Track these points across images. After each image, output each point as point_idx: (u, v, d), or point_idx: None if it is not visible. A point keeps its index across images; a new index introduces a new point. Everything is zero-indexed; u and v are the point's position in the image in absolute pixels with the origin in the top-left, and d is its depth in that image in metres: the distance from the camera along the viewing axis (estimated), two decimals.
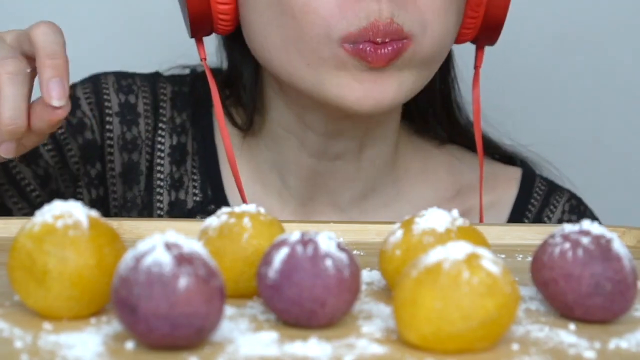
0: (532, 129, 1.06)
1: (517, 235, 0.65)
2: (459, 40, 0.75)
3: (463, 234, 0.49)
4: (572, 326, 0.46)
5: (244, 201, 0.75)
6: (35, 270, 0.44)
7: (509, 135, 0.89)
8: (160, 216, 0.82)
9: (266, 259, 0.45)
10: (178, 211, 0.82)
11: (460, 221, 0.50)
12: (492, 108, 0.90)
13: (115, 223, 0.62)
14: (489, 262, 0.42)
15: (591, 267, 0.46)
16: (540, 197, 0.85)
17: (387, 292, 0.51)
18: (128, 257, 0.42)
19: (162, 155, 0.83)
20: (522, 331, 0.45)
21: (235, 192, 0.81)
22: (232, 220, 0.49)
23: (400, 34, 0.67)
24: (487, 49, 0.78)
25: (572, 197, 0.87)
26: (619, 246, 0.47)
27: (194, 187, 0.82)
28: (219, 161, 0.83)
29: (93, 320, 0.45)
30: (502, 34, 0.75)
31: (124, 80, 0.85)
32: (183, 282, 0.40)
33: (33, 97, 0.64)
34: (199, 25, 0.72)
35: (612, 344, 0.44)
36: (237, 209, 0.50)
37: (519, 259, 0.60)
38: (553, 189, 0.86)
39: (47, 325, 0.44)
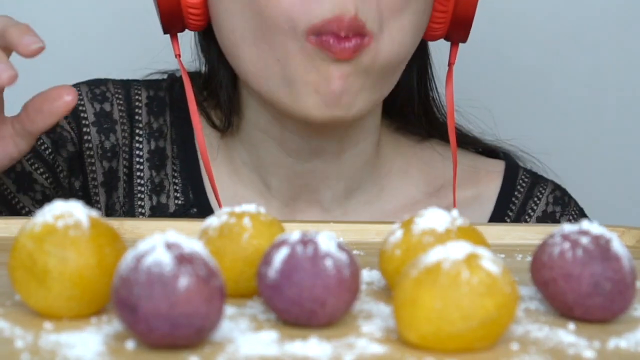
0: (532, 130, 1.06)
1: (516, 235, 0.65)
2: (430, 36, 0.75)
3: (463, 233, 0.49)
4: (571, 326, 0.46)
5: (219, 204, 0.76)
6: (36, 270, 0.44)
7: (505, 137, 0.89)
8: None
9: (266, 259, 0.45)
10: (160, 215, 0.82)
11: (460, 221, 0.50)
12: (490, 109, 0.90)
13: (116, 223, 0.62)
14: (489, 262, 0.42)
15: (591, 267, 0.46)
16: (524, 189, 0.85)
17: (387, 292, 0.51)
18: (128, 257, 0.42)
19: (141, 160, 0.83)
20: (521, 331, 0.45)
21: None
22: (232, 220, 0.50)
23: (362, 30, 0.68)
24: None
25: (556, 188, 0.87)
26: (618, 246, 0.47)
27: (176, 190, 0.82)
28: (200, 164, 0.83)
29: (94, 319, 0.45)
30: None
31: (97, 88, 0.85)
32: (183, 282, 0.40)
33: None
34: (170, 20, 0.73)
35: (612, 343, 0.44)
36: (237, 209, 0.50)
37: (519, 258, 0.60)
38: (536, 180, 0.86)
39: (47, 325, 0.44)
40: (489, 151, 0.88)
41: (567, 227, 0.48)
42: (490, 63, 1.16)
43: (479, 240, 0.49)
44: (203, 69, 0.84)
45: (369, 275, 0.54)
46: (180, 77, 0.86)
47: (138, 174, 0.83)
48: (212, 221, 0.50)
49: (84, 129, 0.83)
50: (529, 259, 0.51)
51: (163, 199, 0.82)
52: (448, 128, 0.76)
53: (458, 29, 0.74)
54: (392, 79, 0.74)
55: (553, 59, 1.17)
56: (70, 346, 0.41)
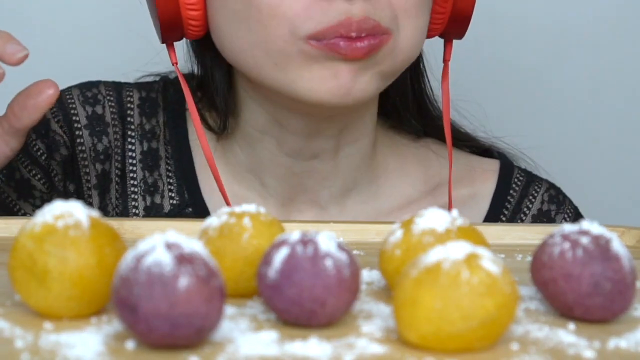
0: (532, 129, 1.06)
1: (516, 235, 0.65)
2: (428, 34, 0.75)
3: (463, 233, 0.49)
4: (571, 326, 0.46)
5: (227, 203, 0.76)
6: (36, 270, 0.44)
7: (506, 137, 0.89)
8: None
9: (266, 259, 0.45)
10: (155, 215, 0.82)
11: (460, 221, 0.50)
12: (488, 108, 0.90)
13: (116, 223, 0.62)
14: (489, 262, 0.42)
15: (591, 267, 0.46)
16: (519, 188, 0.85)
17: (387, 292, 0.51)
18: (128, 257, 0.42)
19: (134, 162, 0.83)
20: (521, 331, 0.45)
21: (212, 195, 0.81)
22: (232, 220, 0.50)
23: (377, 29, 0.67)
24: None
25: (551, 187, 0.87)
26: (618, 246, 0.47)
27: (170, 190, 0.83)
28: (195, 164, 0.83)
29: (93, 319, 0.45)
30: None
31: (89, 91, 0.85)
32: (183, 282, 0.40)
33: None
34: (169, 31, 0.73)
35: (612, 343, 0.44)
36: (237, 209, 0.50)
37: (519, 258, 0.60)
38: (531, 179, 0.87)
39: (47, 325, 0.44)
40: (484, 150, 0.88)
41: (567, 227, 0.48)
42: (488, 62, 1.16)
43: (479, 240, 0.49)
44: (196, 69, 0.84)
45: (369, 275, 0.54)
46: (174, 78, 0.86)
47: (131, 175, 0.83)
48: (212, 221, 0.50)
49: (77, 132, 0.83)
50: (529, 259, 0.51)
51: (157, 199, 0.82)
52: (444, 124, 0.76)
53: (455, 28, 0.74)
54: (403, 67, 0.74)
55: (553, 58, 1.17)
56: (70, 346, 0.41)
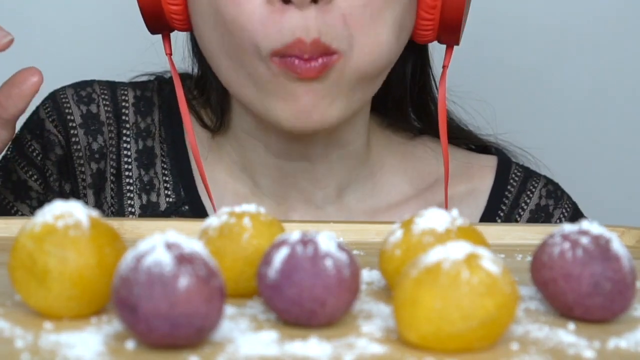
0: (532, 129, 1.06)
1: (516, 235, 0.65)
2: (420, 40, 0.75)
3: (463, 233, 0.49)
4: (571, 326, 0.46)
5: (212, 205, 0.76)
6: (36, 270, 0.44)
7: (506, 134, 0.89)
8: None
9: (266, 259, 0.45)
10: (151, 213, 0.82)
11: (460, 221, 0.50)
12: (483, 105, 0.90)
13: (116, 223, 0.62)
14: (489, 262, 0.42)
15: (591, 267, 0.46)
16: (517, 184, 0.85)
17: (387, 292, 0.51)
18: (128, 257, 0.42)
19: (129, 160, 0.83)
20: (521, 331, 0.45)
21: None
22: (232, 220, 0.50)
23: (327, 50, 0.67)
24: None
25: (549, 182, 0.87)
26: (618, 246, 0.47)
27: (166, 188, 0.83)
28: (191, 162, 0.84)
29: (94, 319, 0.45)
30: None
31: (83, 90, 0.85)
32: (183, 282, 0.40)
33: None
34: (154, 23, 0.73)
35: (612, 343, 0.44)
36: (237, 209, 0.50)
37: (519, 258, 0.60)
38: (529, 175, 0.87)
39: (47, 325, 0.44)
40: (482, 148, 0.88)
41: (567, 227, 0.48)
42: (489, 62, 1.16)
43: (478, 240, 0.49)
44: (192, 70, 0.85)
45: (369, 275, 0.54)
46: (169, 78, 0.86)
47: (126, 173, 0.83)
48: (212, 221, 0.50)
49: (71, 132, 0.83)
50: (529, 259, 0.51)
51: (153, 198, 0.83)
52: (439, 129, 0.76)
53: (447, 34, 0.74)
54: (371, 85, 0.73)
55: (554, 59, 1.17)
56: (70, 346, 0.41)
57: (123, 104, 0.85)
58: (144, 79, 0.88)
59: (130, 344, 0.42)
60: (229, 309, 0.47)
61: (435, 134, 0.84)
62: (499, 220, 0.84)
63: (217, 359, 0.41)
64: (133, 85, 0.87)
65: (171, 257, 0.41)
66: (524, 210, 0.85)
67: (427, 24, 0.73)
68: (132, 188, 0.83)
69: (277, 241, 0.46)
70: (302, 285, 0.44)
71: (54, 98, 0.84)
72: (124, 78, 0.87)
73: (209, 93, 0.83)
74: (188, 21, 0.73)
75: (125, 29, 1.04)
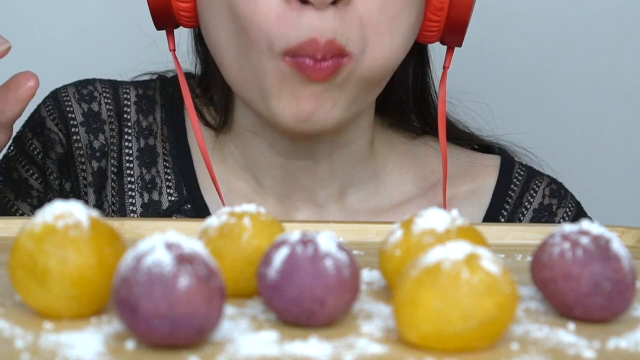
0: (532, 130, 1.06)
1: (516, 235, 0.65)
2: (424, 41, 0.75)
3: (463, 233, 0.49)
4: (571, 326, 0.46)
5: (222, 200, 0.76)
6: (36, 270, 0.44)
7: (507, 135, 0.90)
8: None
9: (266, 259, 0.45)
10: (153, 212, 0.82)
11: (460, 221, 0.50)
12: (485, 106, 0.90)
13: (116, 223, 0.62)
14: (489, 262, 0.42)
15: (591, 267, 0.46)
16: (520, 183, 0.86)
17: (387, 292, 0.51)
18: (128, 257, 0.42)
19: (131, 159, 0.83)
20: (521, 331, 0.45)
21: (211, 191, 0.82)
22: (232, 220, 0.50)
23: (341, 52, 0.67)
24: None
25: (552, 181, 0.87)
26: (618, 246, 0.47)
27: (169, 187, 0.83)
28: (194, 161, 0.83)
29: (94, 319, 0.45)
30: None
31: (85, 88, 0.85)
32: (183, 282, 0.40)
33: None
34: (162, 19, 0.74)
35: (611, 343, 0.44)
36: (237, 209, 0.50)
37: (519, 258, 0.60)
38: (532, 174, 0.87)
39: (47, 325, 0.44)
40: (485, 148, 0.89)
41: (567, 227, 0.48)
42: (490, 61, 1.16)
43: (478, 240, 0.49)
44: (195, 69, 0.85)
45: (369, 275, 0.54)
46: (171, 77, 0.86)
47: (128, 172, 0.83)
48: (212, 221, 0.50)
49: (73, 130, 0.83)
50: (529, 259, 0.51)
51: (155, 196, 0.83)
52: (439, 130, 0.76)
53: (452, 36, 0.74)
54: (374, 90, 0.73)
55: (555, 57, 1.17)
56: (70, 346, 0.41)
57: (125, 102, 0.85)
58: (146, 78, 0.88)
59: (130, 344, 0.42)
60: (229, 309, 0.47)
61: (437, 134, 0.84)
62: (502, 220, 0.84)
63: (217, 359, 0.41)
64: (135, 84, 0.87)
65: (171, 257, 0.41)
66: (527, 209, 0.85)
67: (433, 25, 0.73)
68: (133, 187, 0.83)
69: (277, 241, 0.46)
70: (302, 285, 0.44)
71: (55, 96, 0.84)
72: (126, 77, 0.88)
73: (212, 92, 0.83)
74: (196, 18, 0.74)
75: (127, 29, 1.04)
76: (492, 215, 0.84)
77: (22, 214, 0.81)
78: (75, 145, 0.83)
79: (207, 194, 0.82)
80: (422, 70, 0.84)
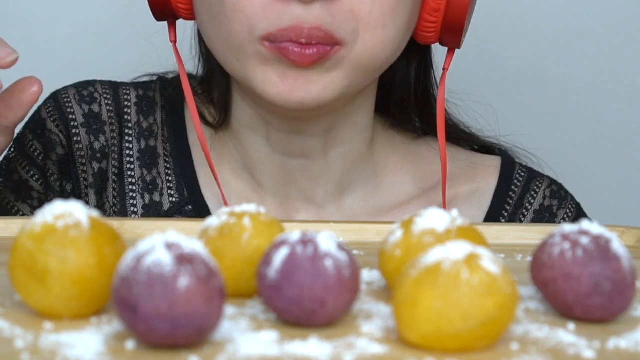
0: (532, 129, 1.06)
1: (516, 235, 0.65)
2: (423, 41, 0.75)
3: (463, 233, 0.49)
4: (571, 326, 0.46)
5: (225, 202, 0.77)
6: (36, 270, 0.44)
7: (508, 136, 0.90)
8: None
9: (266, 259, 0.45)
10: (154, 213, 0.82)
11: (460, 221, 0.50)
12: (486, 107, 0.90)
13: (116, 223, 0.62)
14: (489, 262, 0.42)
15: (591, 267, 0.46)
16: (521, 184, 0.86)
17: (387, 292, 0.51)
18: (128, 257, 0.42)
19: (131, 160, 0.83)
20: (521, 331, 0.45)
21: (212, 192, 0.82)
22: (232, 220, 0.50)
23: (329, 39, 0.67)
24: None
25: (553, 182, 0.87)
26: (618, 246, 0.47)
27: (169, 188, 0.83)
28: (194, 162, 0.84)
29: (94, 319, 0.45)
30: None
31: (85, 90, 0.85)
32: (183, 282, 0.40)
33: None
34: (160, 10, 0.74)
35: (611, 343, 0.44)
36: (237, 209, 0.50)
37: (519, 258, 0.60)
38: (533, 175, 0.87)
39: (47, 325, 0.44)
40: (486, 148, 0.89)
41: (567, 227, 0.48)
42: (489, 61, 1.16)
43: (478, 240, 0.49)
44: (196, 70, 0.85)
45: (369, 275, 0.54)
46: (171, 78, 0.86)
47: (129, 173, 0.83)
48: (212, 221, 0.50)
49: (73, 131, 0.83)
50: (529, 259, 0.51)
51: (156, 197, 0.83)
52: (438, 130, 0.76)
53: (450, 37, 0.74)
54: (367, 77, 0.73)
55: (554, 57, 1.17)
56: (70, 346, 0.41)
57: (125, 103, 0.85)
58: (146, 79, 0.88)
59: (130, 344, 0.42)
60: (229, 309, 0.47)
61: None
62: (503, 221, 0.84)
63: (217, 359, 0.41)
64: (135, 85, 0.87)
65: (171, 257, 0.41)
66: (528, 210, 0.85)
67: (429, 26, 0.73)
68: (134, 188, 0.83)
69: (277, 241, 0.46)
70: (302, 285, 0.44)
71: (56, 98, 0.84)
72: (126, 79, 0.88)
73: (212, 89, 0.83)
74: (193, 10, 0.74)
75: (126, 30, 1.04)
76: (492, 217, 0.84)
77: (23, 215, 0.81)
78: (76, 146, 0.83)
79: (208, 194, 0.82)
80: (425, 71, 0.84)
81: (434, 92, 0.85)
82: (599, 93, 1.18)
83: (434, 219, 0.49)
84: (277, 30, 0.67)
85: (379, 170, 0.83)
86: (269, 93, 0.69)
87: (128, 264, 0.41)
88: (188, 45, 0.84)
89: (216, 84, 0.82)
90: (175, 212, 0.82)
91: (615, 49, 1.17)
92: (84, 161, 0.83)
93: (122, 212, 0.82)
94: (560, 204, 0.86)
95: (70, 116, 0.83)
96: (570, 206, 0.86)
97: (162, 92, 0.86)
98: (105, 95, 0.85)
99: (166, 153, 0.84)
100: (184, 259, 0.41)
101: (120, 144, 0.84)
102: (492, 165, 0.86)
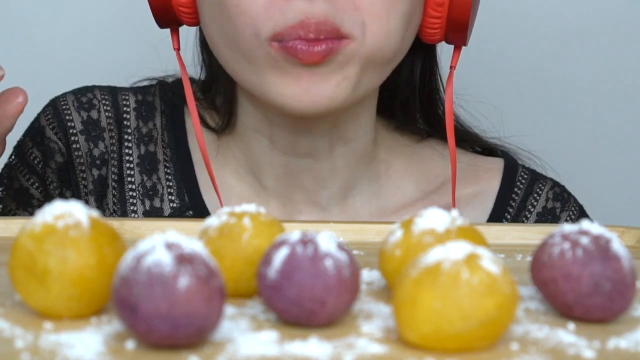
0: (532, 129, 1.06)
1: (516, 235, 0.65)
2: (429, 40, 0.75)
3: (463, 233, 0.49)
4: (571, 326, 0.46)
5: (221, 204, 0.76)
6: (36, 270, 0.44)
7: (511, 137, 0.90)
8: None
9: (266, 259, 0.45)
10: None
11: (460, 221, 0.50)
12: (489, 108, 0.90)
13: (116, 223, 0.62)
14: (489, 262, 0.42)
15: (591, 267, 0.46)
16: (524, 186, 0.85)
17: (387, 292, 0.51)
18: (128, 257, 0.42)
19: (131, 166, 0.83)
20: (521, 331, 0.45)
21: (213, 197, 0.81)
22: (232, 220, 0.50)
23: (337, 32, 0.67)
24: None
25: (556, 185, 0.87)
26: (618, 246, 0.47)
27: (170, 193, 0.82)
28: (195, 167, 0.83)
29: (94, 319, 0.45)
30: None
31: (84, 96, 0.85)
32: (183, 282, 0.40)
33: None
34: (163, 16, 0.74)
35: (611, 343, 0.44)
36: (237, 209, 0.50)
37: (519, 258, 0.60)
38: (535, 177, 0.87)
39: (47, 325, 0.44)
40: (488, 150, 0.88)
41: (567, 227, 0.48)
42: (492, 62, 1.16)
43: (478, 240, 0.49)
44: (198, 75, 0.85)
45: (369, 275, 0.54)
46: (171, 82, 0.86)
47: (129, 179, 0.83)
48: (212, 221, 0.50)
49: (72, 138, 0.83)
50: (529, 259, 0.51)
51: (157, 203, 0.82)
52: (447, 129, 0.76)
53: (455, 34, 0.74)
54: (378, 73, 0.72)
55: (554, 58, 1.17)
56: (70, 346, 0.41)
57: (124, 109, 0.85)
58: (145, 83, 0.87)
59: (130, 344, 0.42)
60: (229, 309, 0.47)
61: (443, 137, 0.84)
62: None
63: (217, 359, 0.41)
64: (134, 90, 0.87)
65: (171, 257, 0.41)
66: (530, 213, 0.85)
67: (434, 21, 0.73)
68: (134, 194, 0.82)
69: (277, 241, 0.46)
70: (302, 285, 0.44)
71: (55, 105, 0.84)
72: (125, 83, 0.87)
73: (214, 94, 0.83)
74: (196, 14, 0.74)
75: (127, 31, 1.04)
76: (495, 219, 0.84)
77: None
78: (75, 153, 0.82)
79: (209, 200, 0.82)
80: (430, 71, 0.84)
81: (439, 92, 0.85)
82: (599, 93, 1.18)
83: (434, 219, 0.49)
84: (283, 28, 0.66)
85: (382, 173, 0.83)
86: (284, 97, 0.69)
87: (128, 264, 0.41)
88: (190, 51, 0.84)
89: (219, 89, 0.82)
90: (176, 217, 0.82)
91: (616, 49, 1.17)
92: (83, 168, 0.82)
93: (123, 217, 0.82)
94: (563, 207, 0.85)
95: (69, 123, 0.83)
96: (573, 208, 0.86)
97: (161, 97, 0.86)
98: (104, 101, 0.85)
99: (166, 158, 0.84)
100: (184, 259, 0.41)
101: (120, 150, 0.83)
102: (494, 168, 0.86)
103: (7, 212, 0.82)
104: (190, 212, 0.82)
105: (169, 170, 0.83)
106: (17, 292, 0.46)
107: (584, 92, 1.18)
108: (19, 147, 0.84)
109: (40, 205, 0.82)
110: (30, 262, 0.45)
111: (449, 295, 0.41)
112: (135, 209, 0.82)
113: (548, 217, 0.85)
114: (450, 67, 0.77)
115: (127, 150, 0.83)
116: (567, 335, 0.45)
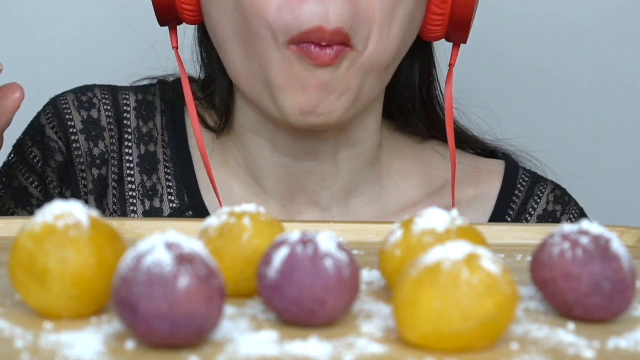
0: (533, 129, 1.06)
1: (516, 235, 0.65)
2: (429, 37, 0.75)
3: (463, 234, 0.49)
4: (571, 326, 0.46)
5: (221, 205, 0.76)
6: (36, 270, 0.44)
7: (511, 139, 0.89)
8: None
9: (266, 259, 0.45)
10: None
11: (460, 221, 0.50)
12: (489, 108, 0.90)
13: (116, 223, 0.62)
14: (489, 262, 0.42)
15: (591, 267, 0.46)
16: (525, 189, 0.85)
17: (387, 292, 0.51)
18: (128, 257, 0.42)
19: (131, 166, 0.83)
20: (521, 331, 0.45)
21: (213, 197, 0.81)
22: (232, 220, 0.50)
23: (346, 41, 0.68)
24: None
25: (556, 187, 0.87)
26: (618, 246, 0.47)
27: (170, 194, 0.82)
28: (195, 167, 0.83)
29: (94, 319, 0.45)
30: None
31: (84, 95, 0.85)
32: (183, 282, 0.40)
33: None
34: (165, 13, 0.74)
35: (611, 343, 0.44)
36: (237, 209, 0.50)
37: (519, 258, 0.60)
38: (536, 180, 0.87)
39: (47, 325, 0.44)
40: (489, 152, 0.88)
41: (567, 227, 0.48)
42: (491, 62, 1.16)
43: (478, 240, 0.49)
44: (197, 74, 0.85)
45: (369, 275, 0.54)
46: (171, 82, 0.86)
47: (129, 179, 0.83)
48: (212, 221, 0.50)
49: (73, 137, 0.82)
50: (529, 259, 0.51)
51: (156, 203, 0.82)
52: (446, 126, 0.76)
53: (457, 31, 0.74)
54: (379, 80, 0.73)
55: (554, 59, 1.17)
56: (70, 346, 0.41)
57: (125, 108, 0.85)
58: (146, 82, 0.87)
59: (130, 344, 0.42)
60: (229, 309, 0.47)
61: (444, 138, 0.84)
62: None
63: (217, 359, 0.41)
64: (135, 89, 0.86)
65: (171, 257, 0.41)
66: (531, 215, 0.85)
67: (437, 18, 0.73)
68: (134, 194, 0.82)
69: (277, 241, 0.46)
70: (302, 285, 0.44)
71: (55, 104, 0.84)
72: (125, 83, 0.87)
73: (213, 94, 0.83)
74: (199, 13, 0.74)
75: (127, 31, 1.04)
76: (496, 221, 0.84)
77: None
78: (75, 153, 0.82)
79: (209, 200, 0.82)
80: (428, 71, 0.84)
81: (438, 92, 0.85)
82: (599, 93, 1.18)
83: (434, 219, 0.49)
84: (299, 34, 0.67)
85: (384, 174, 0.83)
86: (290, 102, 0.69)
87: (128, 264, 0.41)
88: (188, 50, 0.84)
89: (217, 89, 0.82)
90: (176, 218, 0.82)
91: (616, 49, 1.17)
92: (83, 168, 0.82)
93: (123, 218, 0.82)
94: (564, 209, 0.85)
95: (69, 123, 0.83)
96: (573, 211, 0.86)
97: (162, 96, 0.86)
98: (104, 101, 0.84)
99: (166, 158, 0.84)
100: (184, 259, 0.41)
101: (120, 149, 0.83)
102: (495, 170, 0.86)
103: (5, 211, 0.82)
104: (190, 213, 0.81)
105: (169, 171, 0.83)
106: (17, 292, 0.46)
107: (583, 92, 1.18)
108: (18, 146, 0.84)
109: (39, 204, 0.82)
110: (30, 262, 0.45)
111: (449, 295, 0.41)
112: (135, 209, 0.82)
113: (549, 220, 0.85)
114: (450, 65, 0.77)
115: (127, 150, 0.83)
116: (567, 335, 0.45)
